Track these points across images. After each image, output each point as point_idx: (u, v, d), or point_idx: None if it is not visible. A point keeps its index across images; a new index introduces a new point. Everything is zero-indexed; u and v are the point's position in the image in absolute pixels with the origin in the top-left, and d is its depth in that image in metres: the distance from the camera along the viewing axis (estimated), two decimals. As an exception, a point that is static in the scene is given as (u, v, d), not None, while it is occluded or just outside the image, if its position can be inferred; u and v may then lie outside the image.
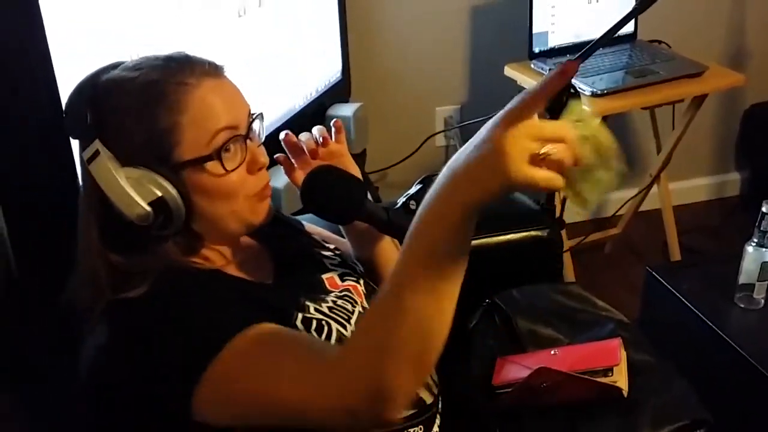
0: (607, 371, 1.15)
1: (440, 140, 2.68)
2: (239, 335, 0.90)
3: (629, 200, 2.69)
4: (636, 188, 2.67)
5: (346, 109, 2.17)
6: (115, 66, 1.00)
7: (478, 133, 0.75)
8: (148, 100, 0.95)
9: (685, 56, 2.36)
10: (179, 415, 0.90)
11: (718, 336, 1.69)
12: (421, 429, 1.11)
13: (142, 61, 0.99)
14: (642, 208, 2.76)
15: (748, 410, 1.66)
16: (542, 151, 0.73)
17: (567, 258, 2.46)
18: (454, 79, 2.64)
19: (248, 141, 1.00)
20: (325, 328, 1.03)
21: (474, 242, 1.62)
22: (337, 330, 1.04)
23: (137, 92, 0.95)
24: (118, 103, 0.96)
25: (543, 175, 0.73)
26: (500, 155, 0.71)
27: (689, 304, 1.77)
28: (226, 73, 1.01)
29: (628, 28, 2.44)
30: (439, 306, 0.80)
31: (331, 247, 1.25)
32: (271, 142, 1.17)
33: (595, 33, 1.52)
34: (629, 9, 1.47)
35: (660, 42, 2.47)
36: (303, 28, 2.04)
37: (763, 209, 1.65)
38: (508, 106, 0.74)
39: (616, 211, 2.72)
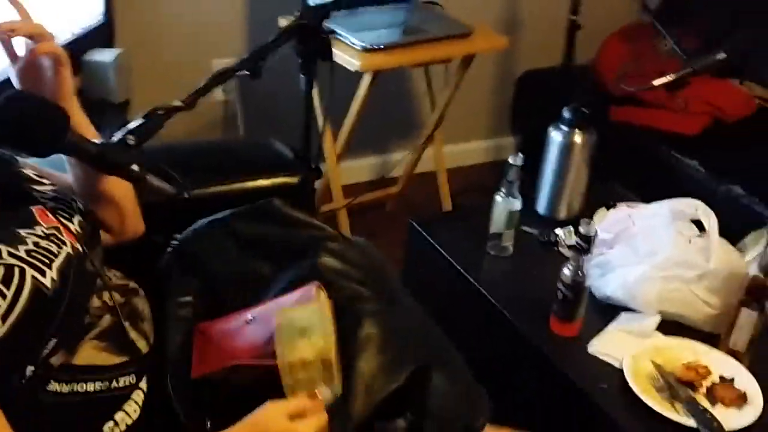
0: None
1: (218, 94, 2.59)
2: None
3: (403, 160, 2.76)
4: (413, 149, 2.74)
5: (105, 55, 2.03)
6: None
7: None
8: None
9: (457, 18, 2.43)
10: None
11: (469, 283, 1.76)
12: (134, 378, 1.05)
13: None
14: (423, 170, 2.84)
15: (495, 353, 1.74)
16: None
17: (343, 215, 2.48)
18: (230, 31, 2.55)
19: None
20: (16, 276, 0.94)
21: (220, 188, 1.56)
22: (32, 277, 0.96)
23: None
24: None
25: None
26: None
27: (444, 253, 1.83)
28: None
29: (405, -13, 2.47)
30: None
31: (46, 182, 1.15)
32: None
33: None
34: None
35: (434, 3, 2.53)
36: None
37: (509, 160, 1.72)
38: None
39: (389, 172, 2.79)
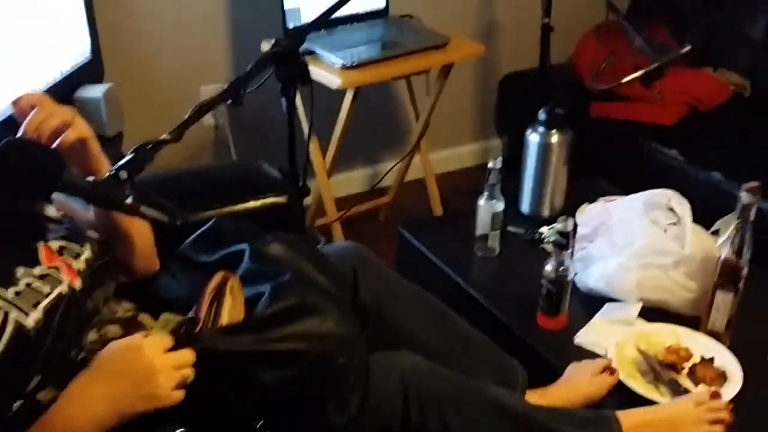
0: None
1: (208, 119, 2.66)
2: None
3: (392, 169, 2.82)
4: (401, 158, 2.81)
5: (95, 91, 2.10)
6: None
7: (126, 353, 1.02)
8: None
9: (433, 29, 2.51)
10: None
11: (458, 284, 1.82)
12: None
13: None
14: (414, 177, 2.91)
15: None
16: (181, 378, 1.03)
17: (337, 228, 2.55)
18: (215, 57, 2.63)
19: None
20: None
21: (211, 213, 1.62)
22: (15, 320, 1.02)
23: None
24: None
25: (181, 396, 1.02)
26: (155, 386, 1.00)
27: (433, 258, 1.90)
28: None
29: (380, 3, 2.54)
30: None
31: (64, 220, 1.22)
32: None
33: (345, 8, 1.54)
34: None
35: (410, 16, 2.60)
36: (41, 6, 1.95)
37: (489, 165, 1.80)
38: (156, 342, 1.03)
39: (379, 181, 2.85)
